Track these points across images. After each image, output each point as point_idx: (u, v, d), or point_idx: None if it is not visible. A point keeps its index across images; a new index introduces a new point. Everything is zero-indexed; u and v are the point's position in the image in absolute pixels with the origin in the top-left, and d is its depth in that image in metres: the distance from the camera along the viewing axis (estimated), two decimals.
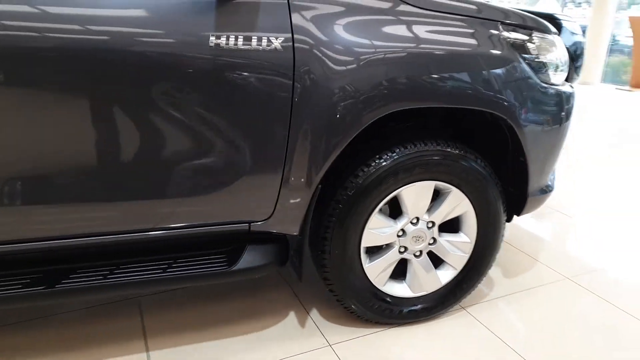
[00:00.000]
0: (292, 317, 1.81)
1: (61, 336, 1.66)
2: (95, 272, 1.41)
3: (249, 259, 1.52)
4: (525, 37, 1.64)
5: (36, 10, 1.13)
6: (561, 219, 2.80)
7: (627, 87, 9.14)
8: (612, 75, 10.17)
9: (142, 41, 1.21)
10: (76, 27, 1.16)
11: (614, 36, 10.07)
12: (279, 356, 1.61)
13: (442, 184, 1.64)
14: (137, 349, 1.62)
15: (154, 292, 1.93)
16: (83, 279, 1.38)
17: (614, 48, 10.25)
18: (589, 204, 3.04)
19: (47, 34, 1.14)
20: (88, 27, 1.17)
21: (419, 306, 1.79)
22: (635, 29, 7.73)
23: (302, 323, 1.78)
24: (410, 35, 1.46)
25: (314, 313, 1.84)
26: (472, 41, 1.53)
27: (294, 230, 1.54)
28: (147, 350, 1.61)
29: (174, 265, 1.48)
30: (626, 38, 9.97)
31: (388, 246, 1.69)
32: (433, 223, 1.70)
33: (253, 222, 1.49)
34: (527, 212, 1.86)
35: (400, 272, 1.76)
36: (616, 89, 9.19)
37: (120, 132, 1.26)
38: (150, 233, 1.42)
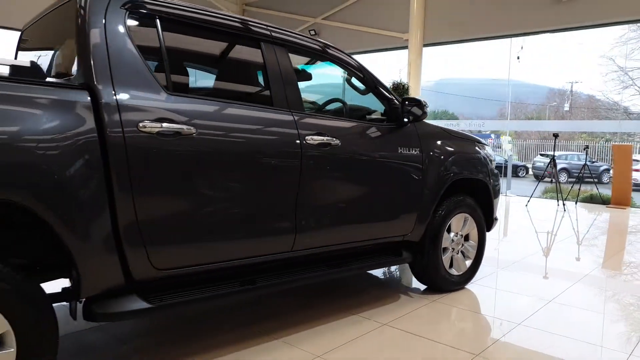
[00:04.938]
0: (393, 298, 3.28)
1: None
2: (333, 264, 2.77)
3: (405, 254, 3.06)
4: (485, 146, 3.63)
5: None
6: None
7: None
8: None
9: (372, 150, 2.81)
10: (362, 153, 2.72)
11: None
12: (402, 312, 3.05)
13: (465, 214, 3.42)
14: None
15: (361, 272, 3.38)
16: (323, 269, 2.71)
17: None
18: None
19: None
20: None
21: (461, 279, 3.46)
22: None
23: (396, 299, 3.27)
24: (462, 147, 3.33)
25: (401, 295, 3.33)
26: (477, 149, 3.47)
27: (418, 238, 3.13)
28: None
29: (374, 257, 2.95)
30: None
31: (446, 248, 3.35)
32: (462, 235, 3.44)
33: (405, 235, 3.05)
34: (491, 230, 3.75)
35: (449, 263, 3.42)
36: None
37: (361, 194, 2.77)
38: (366, 242, 2.86)
